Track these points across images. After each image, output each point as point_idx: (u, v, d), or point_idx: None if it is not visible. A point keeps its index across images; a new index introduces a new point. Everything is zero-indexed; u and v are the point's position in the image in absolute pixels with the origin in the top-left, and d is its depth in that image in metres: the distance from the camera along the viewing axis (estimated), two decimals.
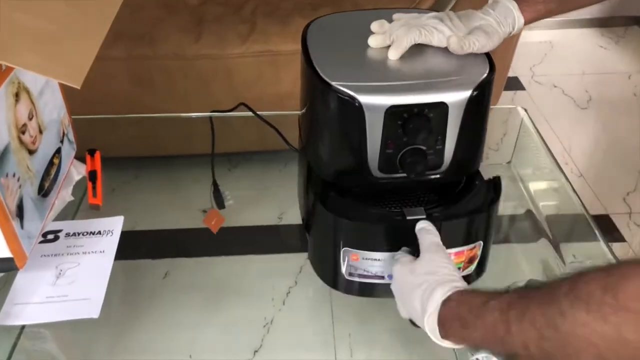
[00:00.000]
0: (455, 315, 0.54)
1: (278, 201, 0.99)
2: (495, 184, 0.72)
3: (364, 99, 0.60)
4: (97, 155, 0.94)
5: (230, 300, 0.85)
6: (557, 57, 2.22)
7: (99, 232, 0.83)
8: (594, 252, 0.90)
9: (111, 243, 0.82)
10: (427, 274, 0.59)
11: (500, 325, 0.47)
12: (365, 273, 0.71)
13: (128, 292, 0.87)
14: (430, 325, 0.56)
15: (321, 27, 0.72)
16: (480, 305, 0.50)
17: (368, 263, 0.70)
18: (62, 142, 0.83)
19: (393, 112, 0.60)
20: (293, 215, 0.88)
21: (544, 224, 0.95)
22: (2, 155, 0.64)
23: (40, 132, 0.75)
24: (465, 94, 0.62)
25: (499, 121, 1.21)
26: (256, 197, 1.03)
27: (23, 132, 0.70)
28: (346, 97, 0.61)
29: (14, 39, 0.56)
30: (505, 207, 0.95)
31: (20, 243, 0.69)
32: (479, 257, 0.73)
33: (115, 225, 0.85)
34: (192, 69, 1.34)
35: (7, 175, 0.65)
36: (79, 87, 0.55)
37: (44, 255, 0.79)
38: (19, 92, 0.69)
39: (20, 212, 0.69)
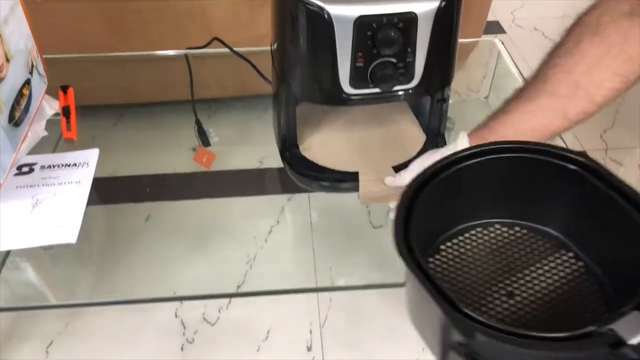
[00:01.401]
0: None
1: (258, 146, 0.99)
2: None
3: (332, 9, 0.60)
4: (70, 91, 0.93)
5: (212, 240, 0.85)
6: (538, 0, 2.20)
7: (75, 164, 0.83)
8: None
9: (87, 174, 0.81)
10: None
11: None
12: None
13: (110, 235, 0.88)
14: None
15: None
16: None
17: None
18: (31, 73, 0.81)
19: (362, 23, 0.60)
20: (274, 159, 0.88)
21: None
22: None
23: (7, 60, 0.74)
24: (434, 3, 0.61)
25: (479, 64, 1.21)
26: (237, 142, 1.03)
27: None
28: (315, 9, 0.60)
29: None
30: None
31: None
32: None
33: (90, 157, 0.84)
34: (166, 11, 1.31)
35: None
36: None
37: (19, 187, 0.79)
38: None
39: None
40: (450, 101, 0.80)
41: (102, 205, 0.91)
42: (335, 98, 0.67)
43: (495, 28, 2.03)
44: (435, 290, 0.42)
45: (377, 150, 0.80)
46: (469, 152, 0.52)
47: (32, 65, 0.82)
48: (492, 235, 0.55)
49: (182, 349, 1.07)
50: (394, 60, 0.63)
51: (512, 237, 0.55)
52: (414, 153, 0.78)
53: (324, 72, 0.65)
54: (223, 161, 0.95)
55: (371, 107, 0.82)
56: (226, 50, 1.03)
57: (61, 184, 0.80)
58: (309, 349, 1.07)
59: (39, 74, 0.85)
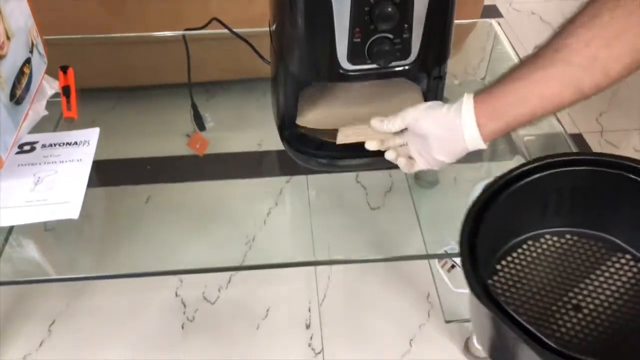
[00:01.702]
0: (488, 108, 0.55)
1: (257, 129, 1.00)
2: None
3: None
4: (70, 71, 0.94)
5: (212, 222, 0.86)
6: None
7: (75, 143, 0.84)
8: None
9: (88, 152, 0.82)
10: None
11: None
12: None
13: (110, 216, 0.89)
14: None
15: None
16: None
17: None
18: (31, 52, 0.82)
19: None
20: (272, 142, 0.88)
21: (519, 142, 0.96)
22: None
23: (8, 38, 0.74)
24: None
25: (476, 47, 1.21)
26: (235, 125, 1.03)
27: None
28: None
29: None
30: None
31: None
32: None
33: (91, 136, 0.85)
34: None
35: None
36: None
37: (21, 165, 0.80)
38: None
39: None
40: (447, 83, 0.81)
41: (103, 187, 0.93)
42: (333, 74, 0.67)
43: (492, 12, 2.03)
44: (512, 323, 0.41)
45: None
46: (533, 165, 0.51)
47: (32, 45, 0.83)
48: (545, 246, 0.54)
49: (182, 327, 1.09)
50: (390, 36, 0.64)
51: (566, 246, 0.54)
52: None
53: (322, 48, 0.66)
54: (222, 144, 0.96)
55: (378, 86, 0.81)
56: (225, 31, 1.03)
57: (62, 162, 0.81)
58: (308, 326, 1.08)
59: (39, 53, 0.85)
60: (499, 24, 1.14)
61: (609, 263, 0.52)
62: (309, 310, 1.11)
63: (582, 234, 0.54)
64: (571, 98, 0.52)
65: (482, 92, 0.57)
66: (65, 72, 0.93)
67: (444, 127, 0.59)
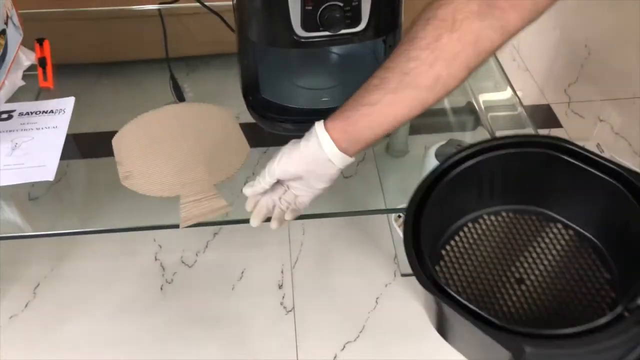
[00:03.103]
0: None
1: (235, 102, 1.02)
2: None
3: None
4: (46, 43, 0.97)
5: None
6: None
7: (52, 111, 0.88)
8: None
9: (63, 120, 0.87)
10: None
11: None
12: None
13: (93, 186, 0.93)
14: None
15: None
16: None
17: None
18: (6, 24, 0.85)
19: None
20: (250, 115, 0.92)
21: (483, 115, 0.99)
22: None
23: None
24: None
25: None
26: (214, 97, 1.06)
27: None
28: None
29: None
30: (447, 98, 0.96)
31: None
32: None
33: (67, 104, 0.90)
34: None
35: None
36: None
37: None
38: None
39: None
40: None
41: (86, 159, 0.96)
42: (288, 41, 0.72)
43: None
44: (458, 305, 0.45)
45: (200, 167, 0.81)
46: (470, 151, 0.57)
47: (7, 17, 0.86)
48: (484, 226, 0.59)
49: (161, 288, 1.14)
50: (340, 4, 0.68)
51: (503, 224, 0.59)
52: (239, 166, 0.83)
53: (277, 16, 0.70)
54: None
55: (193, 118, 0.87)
56: (199, 5, 1.06)
57: (39, 129, 0.85)
58: (280, 286, 1.14)
59: (14, 25, 0.89)
60: None
61: (543, 234, 0.57)
62: (282, 272, 1.17)
63: (517, 210, 0.59)
64: (418, 114, 0.59)
65: (336, 119, 0.60)
66: (41, 45, 0.96)
67: (312, 163, 0.61)
